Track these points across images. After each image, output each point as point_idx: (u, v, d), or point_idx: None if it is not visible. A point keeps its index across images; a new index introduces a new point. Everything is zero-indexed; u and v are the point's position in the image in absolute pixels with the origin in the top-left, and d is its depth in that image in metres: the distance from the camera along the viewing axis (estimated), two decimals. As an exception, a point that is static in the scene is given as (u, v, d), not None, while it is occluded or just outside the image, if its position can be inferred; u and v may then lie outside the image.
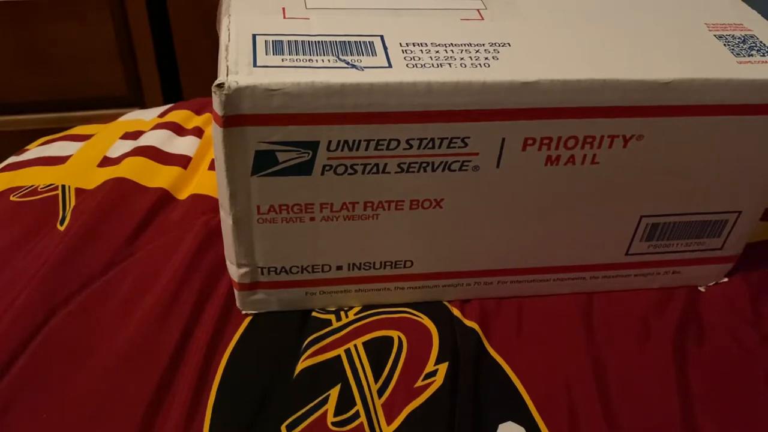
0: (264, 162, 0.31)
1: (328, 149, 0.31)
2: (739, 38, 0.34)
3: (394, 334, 0.37)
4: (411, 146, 0.31)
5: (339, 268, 0.36)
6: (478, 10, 0.35)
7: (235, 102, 0.29)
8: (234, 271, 0.36)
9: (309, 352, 0.35)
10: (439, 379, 0.34)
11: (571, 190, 0.34)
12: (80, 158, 0.50)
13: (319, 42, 0.31)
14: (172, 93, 0.95)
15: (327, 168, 0.31)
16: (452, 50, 0.31)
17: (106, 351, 0.35)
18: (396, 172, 0.32)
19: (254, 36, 0.31)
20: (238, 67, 0.29)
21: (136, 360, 0.35)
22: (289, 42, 0.31)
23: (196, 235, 0.41)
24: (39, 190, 0.46)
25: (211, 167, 0.48)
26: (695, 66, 0.32)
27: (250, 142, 0.30)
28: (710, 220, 0.38)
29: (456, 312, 0.38)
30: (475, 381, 0.34)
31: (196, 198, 0.45)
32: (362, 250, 0.36)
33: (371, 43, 0.31)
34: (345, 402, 0.33)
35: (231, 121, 0.29)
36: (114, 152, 0.50)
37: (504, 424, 0.33)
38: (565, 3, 0.36)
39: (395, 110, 0.30)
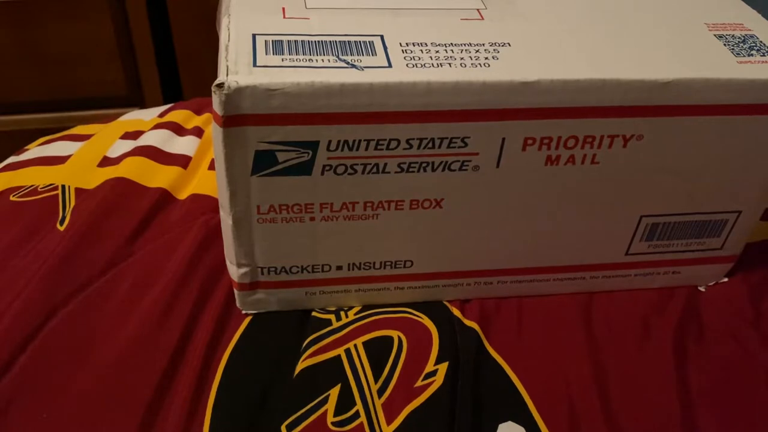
0: (264, 162, 0.31)
1: (328, 149, 0.31)
2: (739, 38, 0.34)
3: (394, 334, 0.37)
4: (411, 146, 0.31)
5: (339, 268, 0.36)
6: (478, 10, 0.35)
7: (235, 102, 0.29)
8: (234, 271, 0.36)
9: (309, 351, 0.35)
10: (439, 379, 0.34)
11: (571, 190, 0.34)
12: (80, 158, 0.50)
13: (319, 42, 0.31)
14: (172, 93, 0.95)
15: (327, 168, 0.31)
16: (452, 50, 0.31)
17: (106, 351, 0.35)
18: (396, 172, 0.32)
19: (254, 36, 0.31)
20: (238, 66, 0.29)
21: (136, 360, 0.35)
22: (288, 42, 0.31)
23: (196, 235, 0.41)
24: (39, 190, 0.46)
25: (211, 167, 0.48)
26: (695, 66, 0.32)
27: (250, 141, 0.30)
28: (710, 220, 0.38)
29: (456, 312, 0.38)
30: (475, 381, 0.34)
31: (196, 198, 0.45)
32: (362, 250, 0.36)
33: (371, 43, 0.31)
34: (345, 402, 0.33)
35: (231, 121, 0.29)
36: (114, 152, 0.50)
37: (504, 424, 0.33)
38: (565, 3, 0.36)
39: (395, 110, 0.30)
